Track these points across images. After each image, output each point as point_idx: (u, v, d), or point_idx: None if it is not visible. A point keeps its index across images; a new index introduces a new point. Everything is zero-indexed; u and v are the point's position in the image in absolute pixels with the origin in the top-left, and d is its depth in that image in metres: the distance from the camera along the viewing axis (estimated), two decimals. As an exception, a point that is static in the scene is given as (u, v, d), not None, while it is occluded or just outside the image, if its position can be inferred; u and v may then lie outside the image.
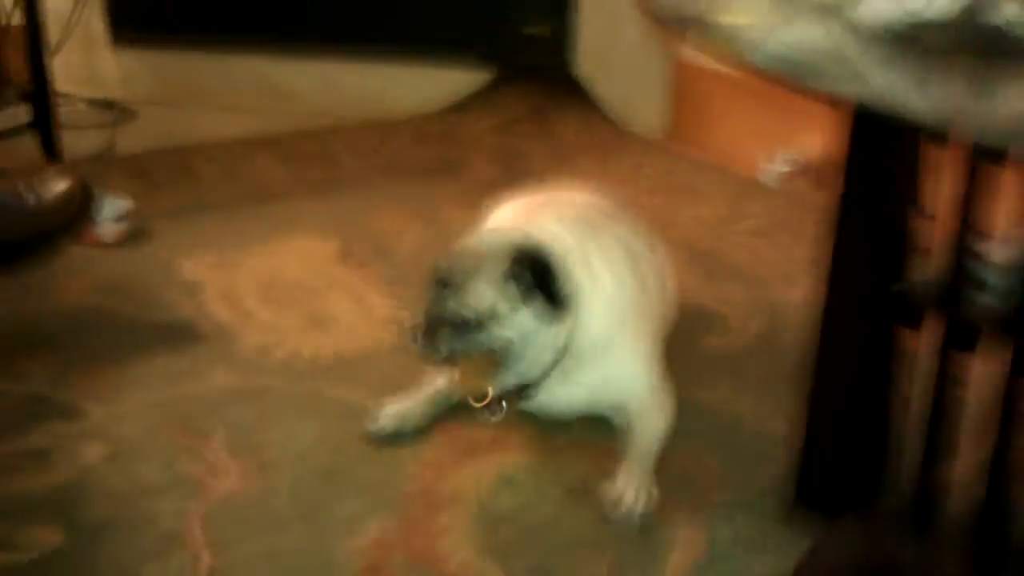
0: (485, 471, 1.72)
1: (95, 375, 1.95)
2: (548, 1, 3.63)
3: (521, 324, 1.68)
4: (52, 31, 3.23)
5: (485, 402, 1.76)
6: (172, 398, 1.90)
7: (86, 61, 3.79)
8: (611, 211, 1.97)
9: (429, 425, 1.81)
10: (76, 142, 3.17)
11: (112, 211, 2.55)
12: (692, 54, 3.34)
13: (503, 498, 1.65)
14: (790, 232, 2.71)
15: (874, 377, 1.47)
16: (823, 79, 1.11)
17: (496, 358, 1.69)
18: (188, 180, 3.03)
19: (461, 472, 1.71)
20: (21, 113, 2.97)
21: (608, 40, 3.56)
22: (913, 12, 1.15)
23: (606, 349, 1.77)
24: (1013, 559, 1.36)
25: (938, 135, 1.21)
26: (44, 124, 2.99)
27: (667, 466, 1.71)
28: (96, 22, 3.78)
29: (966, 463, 1.37)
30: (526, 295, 1.67)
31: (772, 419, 1.87)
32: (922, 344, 1.40)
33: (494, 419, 1.78)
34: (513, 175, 2.87)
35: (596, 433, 1.81)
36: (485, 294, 1.66)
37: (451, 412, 1.84)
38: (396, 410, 1.80)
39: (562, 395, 1.79)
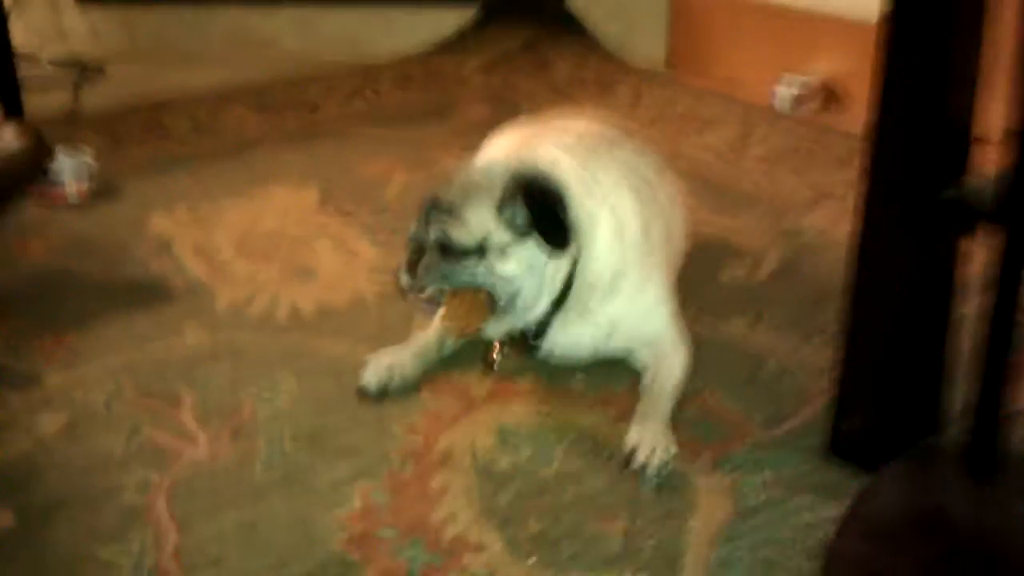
0: (483, 427, 1.53)
1: (55, 340, 1.79)
2: (535, -72, 3.44)
3: (521, 256, 1.49)
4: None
5: (493, 348, 1.58)
6: (138, 361, 1.73)
7: (51, 18, 3.65)
8: (616, 136, 1.78)
9: (421, 379, 1.64)
10: (42, 102, 3.01)
11: (75, 168, 2.38)
12: (691, -22, 3.15)
13: (503, 457, 1.47)
14: (805, 156, 2.53)
15: (924, 298, 1.28)
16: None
17: (488, 295, 1.51)
18: (158, 135, 2.88)
19: (456, 429, 1.53)
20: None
21: (602, -33, 3.37)
22: None
23: (615, 284, 1.58)
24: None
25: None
26: (4, 83, 2.80)
27: (685, 412, 1.54)
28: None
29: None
30: (526, 224, 1.48)
31: (798, 354, 1.70)
32: (979, 259, 1.22)
33: (493, 369, 1.60)
34: (506, 114, 2.65)
35: (606, 381, 1.63)
36: (481, 221, 1.47)
37: (445, 364, 1.67)
38: (384, 364, 1.62)
39: (566, 339, 1.61)
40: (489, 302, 1.51)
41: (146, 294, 1.96)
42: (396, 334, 1.71)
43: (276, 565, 1.28)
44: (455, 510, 1.36)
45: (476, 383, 1.63)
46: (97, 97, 3.17)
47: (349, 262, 2.07)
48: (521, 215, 1.48)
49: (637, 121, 2.76)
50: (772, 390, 1.62)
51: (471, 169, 1.58)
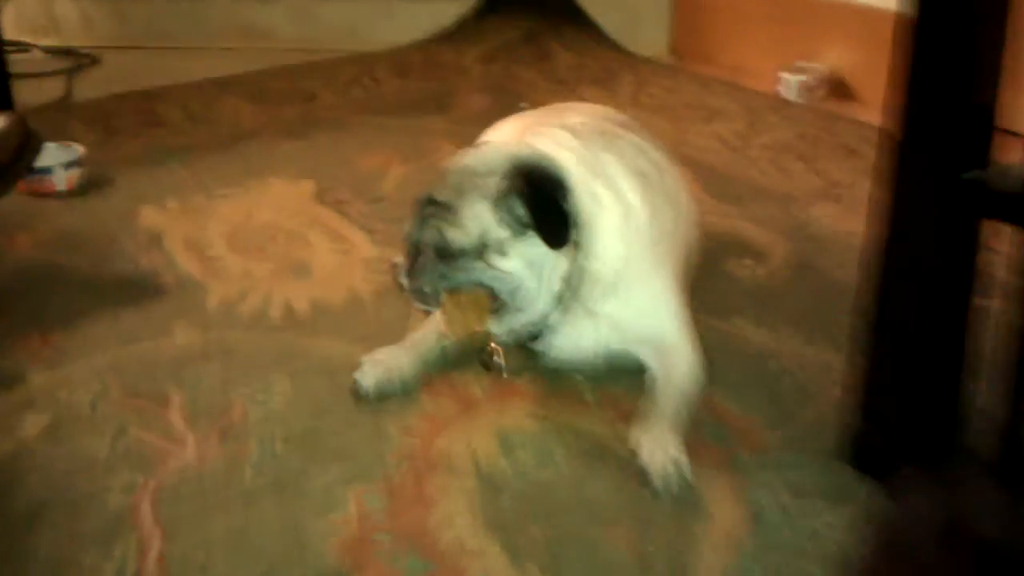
0: (483, 432, 1.47)
1: (41, 338, 1.73)
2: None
3: (521, 251, 1.42)
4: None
5: (491, 349, 1.51)
6: (125, 360, 1.67)
7: (44, 7, 3.59)
8: (621, 121, 1.72)
9: (419, 381, 1.57)
10: (33, 91, 2.95)
11: (63, 158, 2.33)
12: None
13: (504, 463, 1.41)
14: (815, 145, 2.47)
15: (951, 291, 1.21)
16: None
17: (489, 295, 1.45)
18: (151, 125, 2.82)
19: (456, 434, 1.47)
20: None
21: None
22: None
23: (622, 280, 1.50)
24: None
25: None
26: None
27: (695, 416, 1.47)
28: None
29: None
30: (527, 216, 1.41)
31: (813, 354, 1.64)
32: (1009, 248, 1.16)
33: (494, 371, 1.54)
34: (506, 105, 2.61)
35: (613, 385, 1.57)
36: (477, 218, 1.41)
37: (444, 366, 1.61)
38: (381, 364, 1.56)
39: (571, 339, 1.54)
40: (490, 301, 1.44)
41: (135, 290, 1.90)
42: (393, 333, 1.66)
43: (266, 572, 1.22)
44: (452, 515, 1.30)
45: (475, 384, 1.57)
46: (90, 87, 3.13)
47: (345, 258, 2.01)
48: (520, 208, 1.41)
49: (641, 110, 2.70)
50: (780, 393, 1.56)
51: (467, 160, 1.51)
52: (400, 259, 1.50)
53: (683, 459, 1.36)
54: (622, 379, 1.57)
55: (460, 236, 1.41)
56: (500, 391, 1.56)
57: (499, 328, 1.50)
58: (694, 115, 2.73)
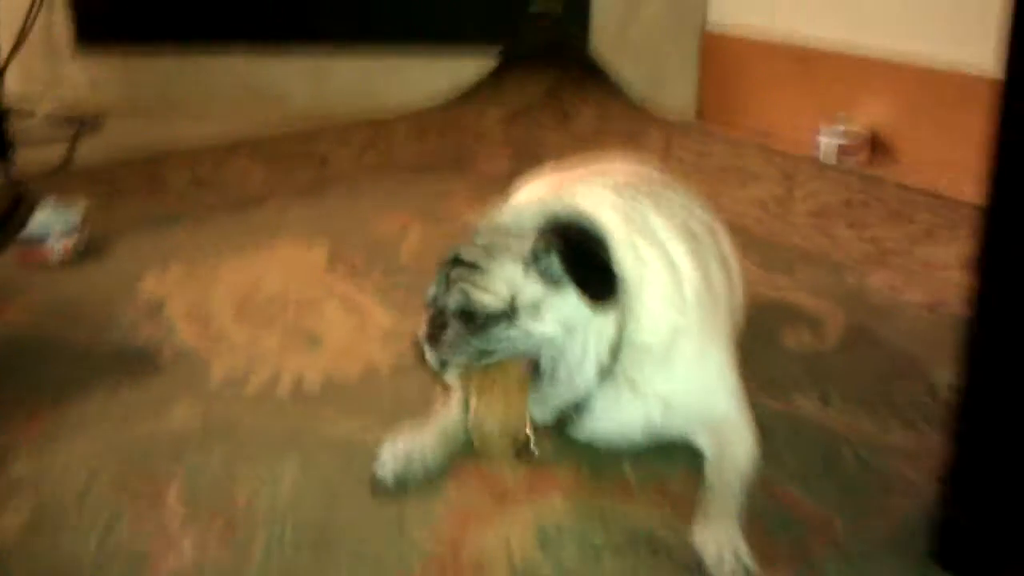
0: (519, 526, 1.31)
1: (29, 417, 1.60)
2: (556, -27, 3.30)
3: (558, 310, 1.27)
4: (5, 36, 2.96)
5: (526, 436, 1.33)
6: (119, 443, 1.52)
7: (48, 68, 3.52)
8: (663, 178, 1.58)
9: (444, 466, 1.42)
10: (35, 156, 2.87)
11: (60, 224, 2.20)
12: (721, 22, 2.98)
13: (543, 561, 1.25)
14: (859, 210, 2.35)
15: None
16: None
17: (525, 371, 1.28)
18: (155, 189, 2.73)
19: (488, 528, 1.31)
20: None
21: (626, 13, 3.22)
22: None
23: (669, 350, 1.35)
24: None
25: None
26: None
27: (752, 507, 1.31)
28: (59, 26, 3.52)
29: None
30: (561, 273, 1.26)
31: (882, 434, 1.48)
32: None
33: (529, 456, 1.37)
34: (527, 167, 2.48)
35: (657, 462, 1.41)
36: (507, 278, 1.26)
37: (472, 448, 1.44)
38: (402, 449, 1.41)
39: (614, 417, 1.38)
40: (528, 377, 1.28)
41: (132, 364, 1.76)
42: (414, 411, 1.51)
43: None
44: (488, 629, 1.13)
45: (509, 472, 1.40)
46: (94, 150, 3.04)
47: (360, 328, 1.86)
48: (555, 263, 1.26)
49: (671, 174, 2.57)
50: (852, 480, 1.40)
51: (498, 217, 1.37)
52: (423, 329, 1.34)
53: (743, 547, 1.21)
54: (667, 453, 1.42)
55: (489, 299, 1.26)
56: (534, 476, 1.41)
57: (542, 409, 1.34)
58: (728, 178, 2.61)
